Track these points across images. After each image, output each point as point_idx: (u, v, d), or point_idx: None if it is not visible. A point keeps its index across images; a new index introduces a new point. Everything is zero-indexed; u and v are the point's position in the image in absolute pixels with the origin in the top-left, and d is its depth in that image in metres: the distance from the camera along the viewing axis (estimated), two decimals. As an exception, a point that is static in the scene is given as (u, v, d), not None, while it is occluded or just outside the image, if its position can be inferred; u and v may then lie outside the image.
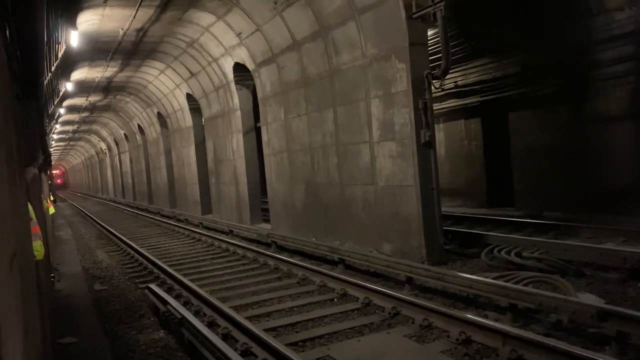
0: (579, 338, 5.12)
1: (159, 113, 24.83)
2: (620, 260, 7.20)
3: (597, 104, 11.33)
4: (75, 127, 35.95)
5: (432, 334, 5.56)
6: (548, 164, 12.55)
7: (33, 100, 4.32)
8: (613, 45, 10.68)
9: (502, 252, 8.42)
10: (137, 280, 9.60)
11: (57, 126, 29.37)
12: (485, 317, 5.70)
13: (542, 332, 5.21)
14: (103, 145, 43.89)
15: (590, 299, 5.89)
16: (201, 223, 17.48)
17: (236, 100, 15.79)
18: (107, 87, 22.73)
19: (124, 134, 33.94)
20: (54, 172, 73.70)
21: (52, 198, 13.60)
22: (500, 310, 5.87)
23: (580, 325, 5.30)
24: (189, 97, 20.00)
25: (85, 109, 27.62)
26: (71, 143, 50.82)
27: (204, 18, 13.66)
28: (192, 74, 18.06)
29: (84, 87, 21.54)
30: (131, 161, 34.35)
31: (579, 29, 11.22)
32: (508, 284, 6.08)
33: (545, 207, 12.12)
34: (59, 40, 10.36)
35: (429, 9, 8.35)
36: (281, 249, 11.50)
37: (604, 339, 4.87)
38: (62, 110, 23.78)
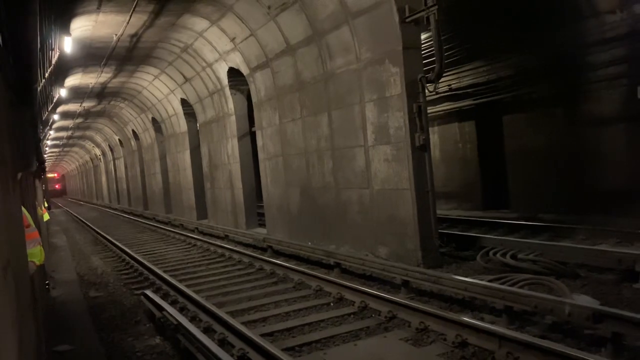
0: (575, 340, 5.14)
1: (153, 118, 24.79)
2: (614, 262, 7.22)
3: (590, 106, 11.40)
4: (69, 133, 35.83)
5: (429, 337, 5.56)
6: (542, 166, 12.60)
7: (27, 107, 4.30)
8: (605, 47, 10.74)
9: (498, 255, 8.44)
10: (133, 287, 9.56)
11: (51, 132, 29.27)
12: (481, 319, 5.72)
13: (538, 334, 5.22)
14: (97, 151, 43.75)
15: (585, 300, 5.91)
16: (197, 228, 17.45)
17: (231, 105, 15.80)
18: (101, 93, 22.68)
19: (119, 139, 33.86)
20: (52, 176, 71.68)
21: (46, 205, 13.56)
22: (496, 313, 5.88)
23: (576, 327, 5.32)
24: (184, 102, 19.99)
25: (79, 115, 27.54)
26: (65, 149, 50.63)
27: (198, 23, 13.66)
28: (187, 79, 18.05)
29: (78, 93, 21.48)
30: (126, 167, 34.24)
31: (571, 31, 11.29)
32: (504, 287, 6.10)
33: (540, 209, 12.16)
34: (53, 46, 10.34)
35: (422, 13, 8.39)
36: (277, 253, 11.48)
37: (600, 340, 4.89)
38: (56, 117, 23.72)
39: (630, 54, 10.39)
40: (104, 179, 44.11)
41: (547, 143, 12.45)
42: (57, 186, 76.98)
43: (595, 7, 10.81)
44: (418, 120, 8.67)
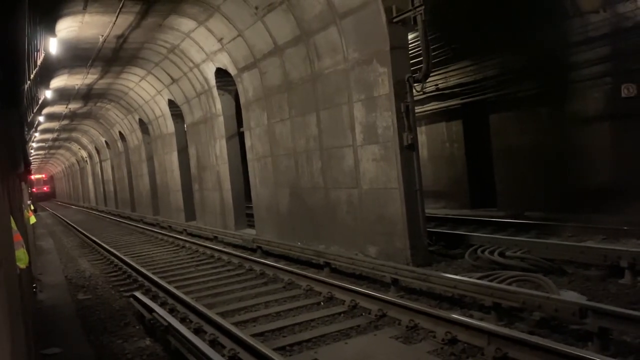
0: (562, 335, 5.21)
1: (140, 120, 24.63)
2: (600, 258, 7.32)
3: (575, 105, 11.53)
4: (55, 135, 35.48)
5: (419, 334, 5.60)
6: (529, 164, 12.72)
7: (14, 109, 4.27)
8: (589, 47, 10.88)
9: (486, 252, 8.51)
10: (122, 289, 9.50)
11: (37, 134, 28.97)
12: (471, 316, 5.77)
13: (526, 330, 5.29)
14: (84, 153, 43.35)
15: (572, 296, 6.00)
16: (185, 230, 17.37)
17: (218, 105, 15.75)
18: (88, 95, 22.50)
19: (105, 141, 33.59)
20: (39, 177, 69.74)
21: (32, 207, 13.43)
22: (484, 310, 5.94)
23: (563, 322, 5.39)
24: (171, 103, 19.89)
25: (65, 116, 27.28)
26: (51, 151, 50.12)
27: (185, 24, 13.61)
28: (174, 80, 17.97)
29: (63, 95, 21.29)
30: (113, 169, 33.98)
31: (555, 31, 11.43)
32: (492, 284, 6.16)
33: (527, 207, 12.28)
34: (38, 47, 10.25)
35: (409, 13, 8.44)
36: (267, 254, 11.48)
37: (587, 335, 4.96)
38: (41, 119, 23.49)
39: (614, 52, 10.54)
40: (90, 181, 43.71)
41: (533, 142, 12.57)
42: (45, 188, 72.00)
43: (578, 7, 10.95)
44: (406, 120, 8.72)
